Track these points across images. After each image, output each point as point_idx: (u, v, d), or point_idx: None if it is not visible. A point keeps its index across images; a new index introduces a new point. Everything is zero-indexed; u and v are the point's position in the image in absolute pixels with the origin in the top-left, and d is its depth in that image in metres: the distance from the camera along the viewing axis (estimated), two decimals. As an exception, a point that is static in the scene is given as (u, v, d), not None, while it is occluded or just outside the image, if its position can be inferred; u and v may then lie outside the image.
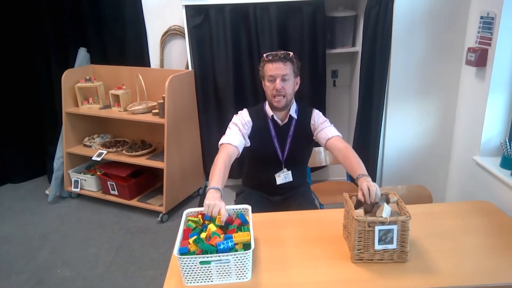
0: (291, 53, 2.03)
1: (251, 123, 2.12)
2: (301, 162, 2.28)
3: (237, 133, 2.05)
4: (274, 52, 2.02)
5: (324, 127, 2.09)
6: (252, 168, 2.29)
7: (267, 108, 2.13)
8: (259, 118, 2.14)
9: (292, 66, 2.02)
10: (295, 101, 2.16)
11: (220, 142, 2.02)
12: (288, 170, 2.18)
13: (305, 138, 2.16)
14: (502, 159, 2.22)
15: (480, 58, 2.29)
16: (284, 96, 2.02)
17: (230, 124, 2.11)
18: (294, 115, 2.13)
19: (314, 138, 2.14)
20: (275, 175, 2.18)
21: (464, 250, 1.64)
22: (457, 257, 1.59)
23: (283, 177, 2.18)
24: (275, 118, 2.12)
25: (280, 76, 1.99)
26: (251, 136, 2.12)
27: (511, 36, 2.16)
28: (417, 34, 2.55)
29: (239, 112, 2.18)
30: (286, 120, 2.13)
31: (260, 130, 2.13)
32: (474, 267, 1.54)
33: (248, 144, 2.11)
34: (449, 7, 2.48)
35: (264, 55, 2.04)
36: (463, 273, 1.51)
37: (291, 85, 2.04)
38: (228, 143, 1.99)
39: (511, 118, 2.30)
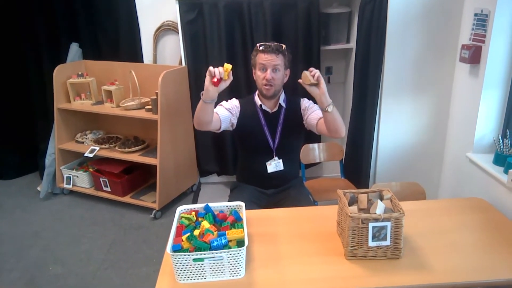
0: (284, 46, 2.10)
1: (239, 108, 2.20)
2: (292, 151, 2.32)
3: (222, 109, 2.15)
4: (267, 43, 2.08)
5: (316, 109, 2.17)
6: (245, 158, 2.33)
7: (256, 98, 2.22)
8: (248, 106, 2.22)
9: (283, 59, 2.09)
10: (284, 92, 2.23)
11: None
12: (279, 158, 2.22)
13: (296, 126, 2.22)
14: (495, 156, 2.23)
15: (474, 55, 2.29)
16: (272, 86, 2.09)
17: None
18: (283, 104, 2.20)
19: (304, 122, 2.19)
20: (266, 163, 2.22)
21: (457, 246, 1.65)
22: (450, 254, 1.60)
23: (274, 165, 2.23)
24: (264, 107, 2.19)
25: (271, 66, 2.06)
26: (241, 123, 2.19)
27: (505, 33, 2.17)
28: (411, 31, 2.55)
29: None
30: (276, 108, 2.20)
31: (250, 117, 2.20)
32: (467, 263, 1.55)
33: (233, 125, 2.18)
34: (443, 4, 2.48)
35: (258, 44, 2.10)
36: (456, 270, 1.51)
37: (281, 76, 2.11)
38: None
39: (504, 115, 2.31)
